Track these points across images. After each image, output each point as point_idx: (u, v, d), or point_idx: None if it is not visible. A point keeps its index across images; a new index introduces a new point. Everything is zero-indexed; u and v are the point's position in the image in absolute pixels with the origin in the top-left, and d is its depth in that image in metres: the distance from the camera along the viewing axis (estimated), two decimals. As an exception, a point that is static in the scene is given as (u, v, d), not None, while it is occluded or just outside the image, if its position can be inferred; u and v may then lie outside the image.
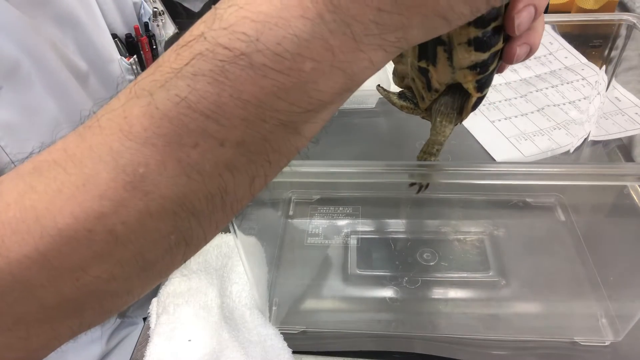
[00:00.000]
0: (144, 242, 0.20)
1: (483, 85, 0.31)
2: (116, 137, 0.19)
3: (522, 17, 0.28)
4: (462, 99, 0.33)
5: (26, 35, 0.49)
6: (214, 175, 0.20)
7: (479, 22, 0.27)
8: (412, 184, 0.37)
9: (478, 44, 0.29)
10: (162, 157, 0.19)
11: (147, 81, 0.20)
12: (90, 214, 0.19)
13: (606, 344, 0.46)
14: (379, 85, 0.38)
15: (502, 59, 0.30)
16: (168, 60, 0.20)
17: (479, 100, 0.32)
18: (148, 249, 0.21)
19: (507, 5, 0.28)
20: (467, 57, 0.29)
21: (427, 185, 0.38)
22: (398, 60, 0.34)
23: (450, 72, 0.31)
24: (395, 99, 0.37)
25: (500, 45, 0.29)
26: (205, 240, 0.22)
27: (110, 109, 0.20)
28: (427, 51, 0.31)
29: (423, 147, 0.36)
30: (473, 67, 0.30)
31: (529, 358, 0.45)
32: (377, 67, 0.21)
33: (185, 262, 0.23)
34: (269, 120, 0.20)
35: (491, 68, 0.30)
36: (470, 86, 0.31)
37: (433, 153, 0.35)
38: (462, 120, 0.34)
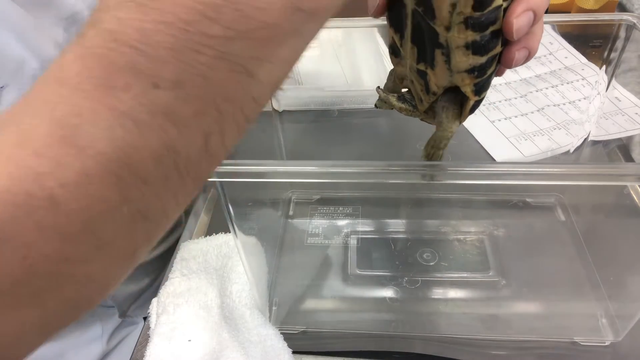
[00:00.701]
0: (90, 212, 0.18)
1: (481, 89, 0.31)
2: (51, 88, 0.18)
3: (520, 22, 0.27)
4: (460, 102, 0.33)
5: (31, 35, 0.49)
6: (153, 127, 0.17)
7: (477, 25, 0.28)
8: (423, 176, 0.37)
9: (476, 48, 0.29)
10: (93, 103, 0.17)
11: (84, 24, 0.18)
12: (28, 173, 0.17)
13: (606, 344, 0.46)
14: (378, 87, 0.38)
15: (501, 63, 0.30)
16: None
17: (477, 103, 0.32)
18: (98, 223, 0.18)
19: (506, 9, 0.28)
20: (464, 60, 0.29)
21: (432, 176, 0.38)
22: (398, 61, 0.34)
23: (448, 75, 0.31)
24: (394, 101, 0.37)
25: (498, 49, 0.29)
26: (166, 215, 0.20)
27: (51, 64, 0.18)
28: (425, 54, 0.31)
29: (429, 141, 0.36)
30: (471, 71, 0.30)
31: (529, 358, 0.45)
32: None
33: (151, 242, 0.20)
34: (203, 50, 0.17)
35: (489, 72, 0.30)
36: (468, 89, 0.31)
37: (441, 147, 0.36)
38: (460, 123, 0.34)
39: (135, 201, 0.18)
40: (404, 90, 0.37)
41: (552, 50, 0.77)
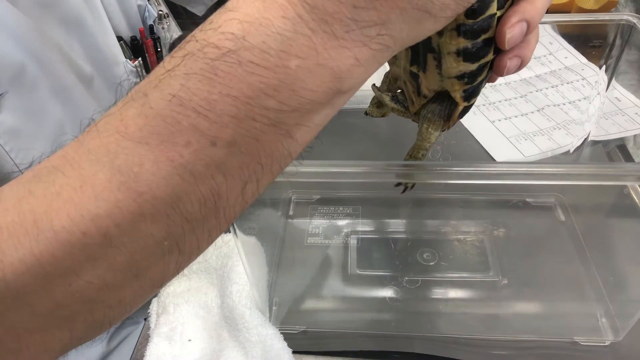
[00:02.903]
0: (136, 246, 0.20)
1: (470, 95, 0.31)
2: (113, 139, 0.20)
3: (513, 32, 0.27)
4: (450, 107, 0.33)
5: (32, 39, 0.49)
6: (206, 177, 0.20)
7: (469, 33, 0.27)
8: (397, 184, 0.38)
9: (467, 55, 0.28)
10: (155, 156, 0.19)
11: (142, 84, 0.20)
12: (86, 215, 0.19)
13: (606, 344, 0.46)
14: (374, 84, 0.38)
15: (492, 70, 0.30)
16: (162, 64, 0.20)
17: (466, 109, 0.32)
18: (141, 255, 0.20)
19: (500, 17, 0.28)
20: (455, 66, 0.29)
21: (413, 185, 0.38)
22: (393, 61, 0.35)
23: (439, 79, 0.31)
24: (387, 100, 0.37)
25: (490, 56, 0.29)
26: (199, 249, 0.22)
27: (108, 114, 0.20)
28: (418, 56, 0.31)
29: (409, 151, 0.36)
30: (461, 77, 0.30)
31: (529, 358, 0.45)
32: (366, 66, 0.21)
33: (178, 272, 0.23)
34: (259, 118, 0.20)
35: (479, 79, 0.30)
36: (457, 95, 0.31)
37: (419, 157, 0.36)
38: (449, 128, 0.34)
39: (176, 236, 0.21)
40: (398, 91, 0.37)
41: (552, 50, 0.77)
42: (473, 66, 0.29)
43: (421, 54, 0.31)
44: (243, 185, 0.21)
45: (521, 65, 0.30)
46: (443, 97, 0.32)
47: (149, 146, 0.19)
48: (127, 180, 0.19)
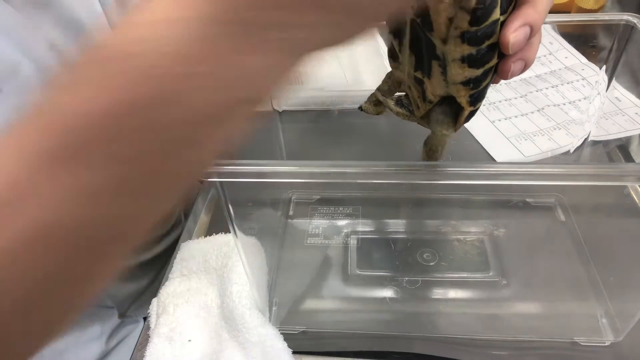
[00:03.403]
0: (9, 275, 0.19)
1: (476, 100, 0.31)
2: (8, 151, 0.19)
3: (517, 37, 0.27)
4: (457, 110, 0.33)
5: (26, 38, 0.48)
6: (105, 197, 0.19)
7: (474, 40, 0.27)
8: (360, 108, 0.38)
9: (472, 61, 0.28)
10: (49, 175, 0.18)
11: (42, 93, 0.19)
12: None
13: (606, 344, 0.45)
14: (378, 89, 0.38)
15: (497, 74, 0.30)
16: (63, 71, 0.19)
17: (472, 112, 0.33)
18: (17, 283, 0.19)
19: (502, 22, 0.28)
20: (460, 73, 0.29)
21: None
22: (396, 66, 0.34)
23: (444, 85, 0.31)
24: (391, 104, 0.37)
25: (494, 61, 0.29)
26: (93, 282, 0.21)
27: (11, 125, 0.20)
28: (423, 63, 0.31)
29: (426, 144, 0.36)
30: (466, 83, 0.30)
31: (529, 358, 0.45)
32: (275, 73, 0.20)
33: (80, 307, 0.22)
34: (160, 131, 0.19)
35: (484, 83, 0.30)
36: (463, 100, 0.31)
37: (438, 151, 0.36)
38: (455, 130, 0.35)
39: (76, 263, 0.20)
40: (402, 94, 0.37)
41: (552, 50, 0.77)
42: (478, 72, 0.29)
43: (425, 60, 0.31)
44: (148, 204, 0.20)
45: (525, 68, 0.30)
46: (449, 101, 0.33)
47: (43, 164, 0.18)
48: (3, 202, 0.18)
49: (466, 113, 0.32)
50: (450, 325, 0.48)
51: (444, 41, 0.28)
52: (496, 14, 0.27)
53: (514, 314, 0.49)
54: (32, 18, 0.49)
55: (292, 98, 0.68)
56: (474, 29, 0.27)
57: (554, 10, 0.85)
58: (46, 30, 0.51)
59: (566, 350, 0.45)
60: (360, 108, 0.40)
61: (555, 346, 0.46)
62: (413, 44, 0.31)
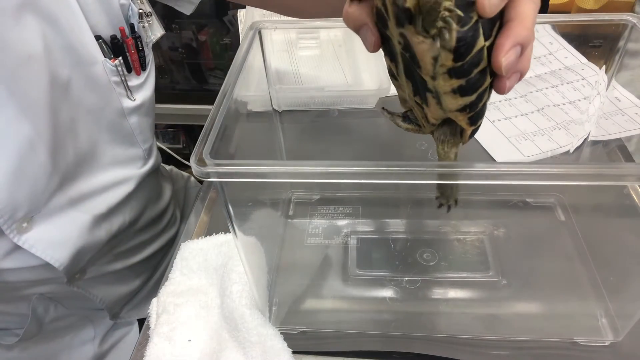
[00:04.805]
0: None
1: (476, 119, 0.32)
2: None
3: (509, 59, 0.27)
4: (460, 129, 0.33)
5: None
6: None
7: (461, 73, 0.27)
8: (440, 206, 0.38)
9: (463, 91, 0.28)
10: None
11: None
12: None
13: (606, 344, 0.46)
14: (383, 107, 0.38)
15: (494, 89, 0.30)
16: None
17: (475, 129, 0.33)
18: None
19: (490, 46, 0.27)
20: (454, 102, 0.29)
21: (456, 202, 0.38)
22: (399, 85, 0.34)
23: (442, 113, 0.31)
24: (400, 121, 0.37)
25: (487, 82, 0.29)
26: None
27: None
28: (419, 91, 0.31)
29: (439, 152, 0.37)
30: (462, 109, 0.30)
31: (528, 358, 0.45)
32: None
33: None
34: None
35: (480, 105, 0.30)
36: (463, 123, 0.31)
37: (451, 158, 0.36)
38: (463, 144, 0.35)
39: None
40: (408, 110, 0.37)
41: (552, 50, 0.77)
42: (472, 97, 0.29)
43: (420, 91, 0.31)
44: None
45: (520, 77, 0.30)
46: (452, 121, 0.33)
47: None
48: None
49: (469, 132, 0.32)
50: (450, 325, 0.48)
51: (433, 77, 0.28)
52: (480, 43, 0.26)
53: (514, 313, 0.49)
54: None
55: (292, 98, 0.68)
56: (459, 64, 0.27)
57: (554, 10, 0.85)
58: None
59: (566, 350, 0.45)
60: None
61: (555, 346, 0.46)
62: (407, 72, 0.31)
